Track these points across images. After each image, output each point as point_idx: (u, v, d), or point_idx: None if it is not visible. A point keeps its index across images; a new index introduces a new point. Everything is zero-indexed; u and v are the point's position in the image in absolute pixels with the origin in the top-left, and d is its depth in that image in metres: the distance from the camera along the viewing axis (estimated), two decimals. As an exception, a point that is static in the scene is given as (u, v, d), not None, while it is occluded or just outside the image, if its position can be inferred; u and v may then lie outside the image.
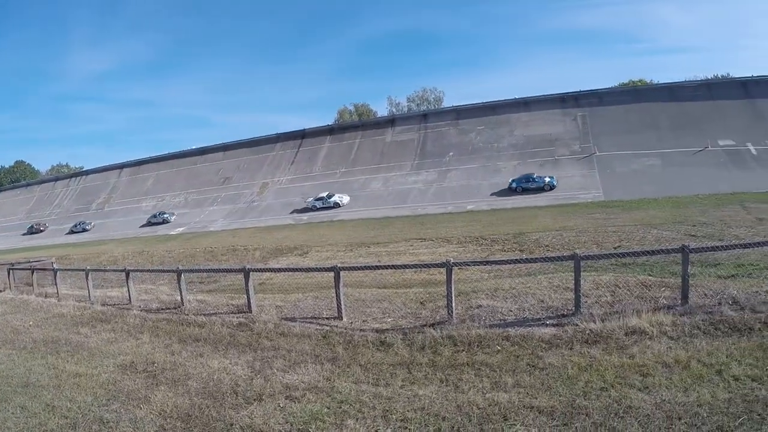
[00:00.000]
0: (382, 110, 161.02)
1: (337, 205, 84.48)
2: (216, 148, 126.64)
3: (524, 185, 75.56)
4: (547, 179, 75.34)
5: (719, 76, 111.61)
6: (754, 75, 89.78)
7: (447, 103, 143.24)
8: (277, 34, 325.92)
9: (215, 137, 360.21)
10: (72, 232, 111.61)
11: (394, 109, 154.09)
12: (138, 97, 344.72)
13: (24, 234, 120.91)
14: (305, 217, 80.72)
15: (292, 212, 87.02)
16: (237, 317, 17.94)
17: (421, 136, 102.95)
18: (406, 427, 8.85)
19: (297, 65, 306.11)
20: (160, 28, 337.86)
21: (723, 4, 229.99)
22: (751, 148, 74.28)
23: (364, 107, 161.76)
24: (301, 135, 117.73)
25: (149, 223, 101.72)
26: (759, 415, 8.01)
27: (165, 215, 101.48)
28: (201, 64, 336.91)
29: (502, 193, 75.51)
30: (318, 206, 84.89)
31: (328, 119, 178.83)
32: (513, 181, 77.62)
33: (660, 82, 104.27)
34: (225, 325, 17.05)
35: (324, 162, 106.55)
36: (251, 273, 18.64)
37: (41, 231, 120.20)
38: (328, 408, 9.89)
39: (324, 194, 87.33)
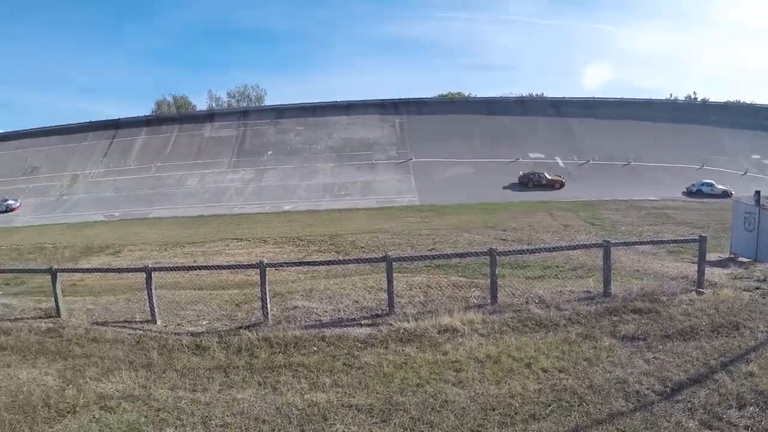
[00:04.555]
0: (201, 104, 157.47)
1: None
2: (22, 134, 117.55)
3: None
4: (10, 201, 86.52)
5: (534, 95, 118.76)
6: (566, 96, 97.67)
7: (268, 101, 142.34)
8: (92, 13, 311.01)
9: (20, 122, 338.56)
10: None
11: (214, 104, 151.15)
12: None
13: None
14: (117, 213, 77.72)
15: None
16: (45, 322, 16.80)
17: (240, 134, 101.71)
18: (226, 432, 8.71)
19: (114, 48, 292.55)
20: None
21: (542, 30, 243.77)
22: (559, 161, 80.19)
23: (183, 100, 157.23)
24: (116, 125, 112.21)
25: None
26: (567, 402, 8.69)
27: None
28: (5, 36, 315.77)
29: (319, 195, 75.56)
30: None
31: (147, 110, 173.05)
32: None
33: (478, 96, 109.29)
34: (33, 331, 15.95)
35: (139, 155, 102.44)
36: (59, 273, 17.70)
37: None
38: (146, 417, 9.61)
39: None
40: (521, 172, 73.16)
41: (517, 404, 8.59)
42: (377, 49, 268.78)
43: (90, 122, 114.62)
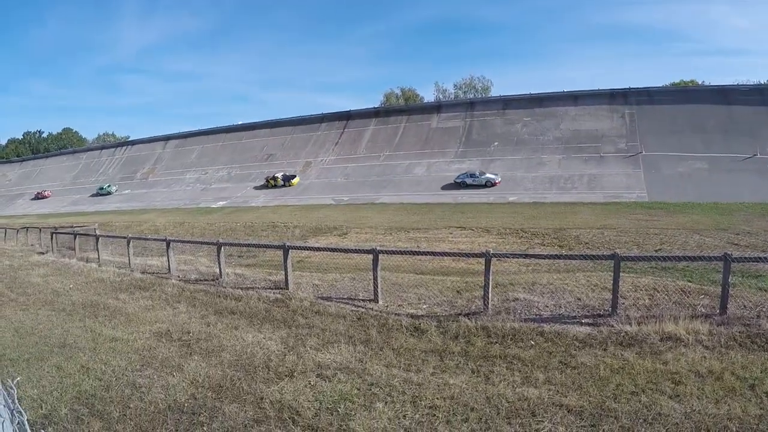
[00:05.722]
0: (428, 96, 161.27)
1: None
2: (261, 125, 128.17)
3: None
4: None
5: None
6: None
7: (494, 92, 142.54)
8: (323, 13, 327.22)
9: (259, 114, 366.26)
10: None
11: (440, 96, 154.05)
12: (184, 70, 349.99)
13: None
14: (346, 198, 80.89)
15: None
16: (273, 293, 18.19)
17: (466, 124, 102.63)
18: (434, 415, 8.85)
19: (344, 47, 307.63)
20: (205, 2, 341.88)
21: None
22: None
23: (411, 92, 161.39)
24: (347, 116, 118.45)
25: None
26: None
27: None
28: (246, 40, 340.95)
29: (545, 187, 74.60)
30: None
31: (374, 102, 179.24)
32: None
33: (711, 83, 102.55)
34: (261, 299, 17.32)
35: (368, 144, 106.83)
36: (290, 250, 18.82)
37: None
38: (358, 389, 9.97)
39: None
40: None
41: (734, 428, 7.95)
42: (604, 36, 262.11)
43: (323, 114, 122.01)
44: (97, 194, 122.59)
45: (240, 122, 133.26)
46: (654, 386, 9.45)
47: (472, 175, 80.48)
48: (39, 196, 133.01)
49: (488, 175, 79.78)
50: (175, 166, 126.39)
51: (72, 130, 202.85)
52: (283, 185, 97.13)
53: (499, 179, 78.77)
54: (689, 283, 16.90)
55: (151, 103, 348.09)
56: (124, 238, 27.42)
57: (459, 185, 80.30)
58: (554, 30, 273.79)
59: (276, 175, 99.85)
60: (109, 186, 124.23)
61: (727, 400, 8.80)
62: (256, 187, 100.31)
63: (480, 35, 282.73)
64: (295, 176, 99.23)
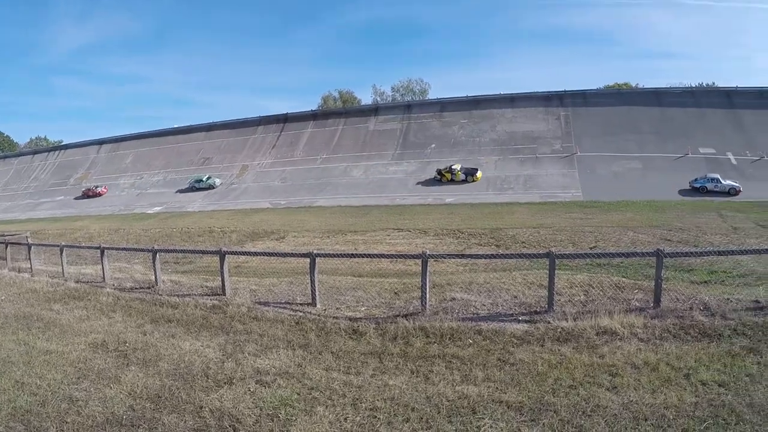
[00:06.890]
0: (366, 98, 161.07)
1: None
2: (198, 128, 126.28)
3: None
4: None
5: (704, 84, 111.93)
6: (738, 86, 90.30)
7: (432, 95, 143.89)
8: (262, 16, 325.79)
9: (197, 117, 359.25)
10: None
11: (378, 98, 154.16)
12: (120, 72, 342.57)
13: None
14: (283, 201, 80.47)
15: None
16: (211, 299, 17.92)
17: (404, 127, 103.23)
18: (375, 416, 8.84)
19: (282, 49, 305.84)
20: (146, 3, 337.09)
21: (713, 15, 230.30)
22: (731, 157, 74.56)
23: (349, 94, 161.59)
24: (284, 119, 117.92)
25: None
26: (724, 420, 8.06)
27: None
28: (185, 42, 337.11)
29: (482, 188, 75.39)
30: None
31: (313, 105, 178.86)
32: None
33: (645, 86, 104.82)
34: (198, 306, 17.04)
35: (306, 147, 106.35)
36: (227, 255, 18.61)
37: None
38: (299, 394, 9.87)
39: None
40: None
41: (671, 416, 8.15)
42: (541, 40, 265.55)
43: (260, 117, 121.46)
44: (192, 189, 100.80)
45: (176, 125, 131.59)
46: (591, 379, 9.58)
47: (712, 180, 66.21)
48: (90, 194, 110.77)
49: (731, 183, 66.16)
50: (110, 171, 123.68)
51: (3, 134, 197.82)
52: (465, 180, 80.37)
53: (741, 188, 64.82)
54: (624, 279, 17.22)
55: (86, 107, 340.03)
56: (57, 246, 26.86)
57: (697, 191, 66.04)
58: (491, 32, 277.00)
59: (453, 166, 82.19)
60: (209, 178, 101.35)
61: (664, 390, 8.98)
62: (419, 183, 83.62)
63: (418, 37, 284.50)
64: (477, 170, 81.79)
